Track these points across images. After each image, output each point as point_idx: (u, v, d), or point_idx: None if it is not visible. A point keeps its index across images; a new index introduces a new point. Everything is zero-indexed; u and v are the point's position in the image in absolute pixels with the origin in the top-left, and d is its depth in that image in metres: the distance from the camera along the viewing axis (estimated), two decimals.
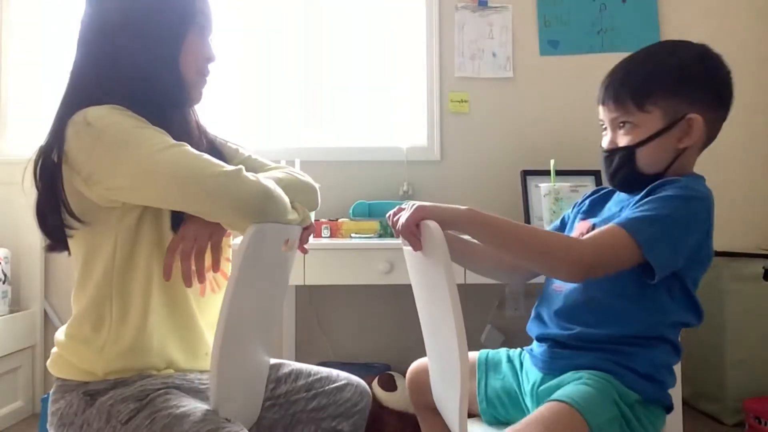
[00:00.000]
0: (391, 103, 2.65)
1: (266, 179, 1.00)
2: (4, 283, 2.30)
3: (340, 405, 1.19)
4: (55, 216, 0.97)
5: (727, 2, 2.63)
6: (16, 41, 2.60)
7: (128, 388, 0.96)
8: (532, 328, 1.08)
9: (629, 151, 0.99)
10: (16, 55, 2.60)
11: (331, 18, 2.65)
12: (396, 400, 2.05)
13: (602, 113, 1.05)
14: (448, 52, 2.58)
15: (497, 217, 0.94)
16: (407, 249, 1.10)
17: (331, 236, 2.08)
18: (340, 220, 2.13)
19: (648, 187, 0.98)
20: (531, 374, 1.05)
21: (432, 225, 0.90)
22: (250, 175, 0.96)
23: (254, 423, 1.12)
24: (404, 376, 2.06)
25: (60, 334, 1.03)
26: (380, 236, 2.08)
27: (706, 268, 0.98)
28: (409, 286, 1.17)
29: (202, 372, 1.08)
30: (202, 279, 0.99)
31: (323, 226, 2.09)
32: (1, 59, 2.58)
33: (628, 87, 0.99)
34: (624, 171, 1.00)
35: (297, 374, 1.21)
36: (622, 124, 1.01)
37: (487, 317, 2.47)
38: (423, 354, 1.18)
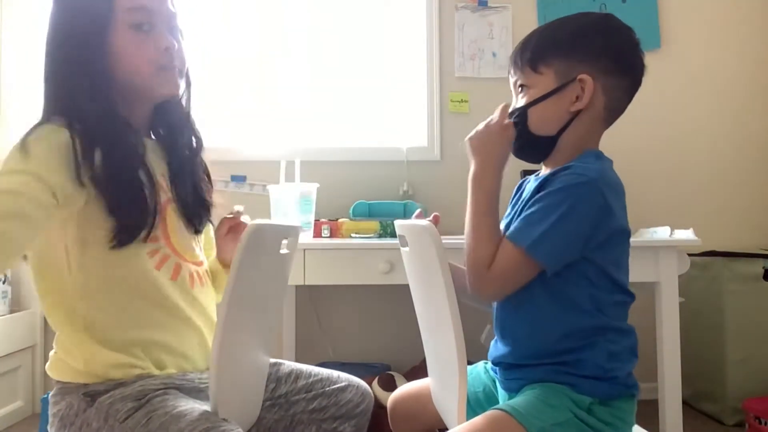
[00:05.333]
0: (391, 103, 2.65)
1: None
2: (4, 283, 2.31)
3: (341, 406, 1.19)
4: None
5: (726, 2, 2.63)
6: (16, 41, 2.60)
7: (127, 388, 0.96)
8: (490, 351, 1.08)
9: (522, 111, 1.00)
10: (16, 54, 2.60)
11: (331, 18, 2.65)
12: None
13: (510, 80, 1.06)
14: (448, 52, 2.58)
15: (478, 197, 0.97)
16: (405, 250, 1.10)
17: (331, 236, 2.08)
18: (340, 220, 2.13)
19: (542, 179, 0.98)
20: (501, 393, 1.06)
21: (429, 226, 0.90)
22: None
23: (254, 424, 1.12)
24: (404, 376, 2.08)
25: (57, 338, 1.04)
26: (380, 236, 2.08)
27: (621, 247, 0.96)
28: (409, 286, 1.17)
29: (202, 372, 1.09)
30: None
31: (323, 226, 2.09)
32: (1, 58, 2.58)
33: (526, 51, 1.00)
34: (517, 133, 1.01)
35: (297, 374, 1.21)
36: (520, 88, 1.02)
37: (487, 317, 2.47)
38: (423, 354, 1.18)
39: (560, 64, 0.98)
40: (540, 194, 0.94)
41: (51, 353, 1.04)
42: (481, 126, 1.01)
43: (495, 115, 1.01)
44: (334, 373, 1.24)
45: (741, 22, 2.63)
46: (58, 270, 0.99)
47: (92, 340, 0.99)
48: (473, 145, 1.01)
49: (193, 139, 1.19)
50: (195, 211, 1.14)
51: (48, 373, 1.03)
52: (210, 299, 1.16)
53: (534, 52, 0.99)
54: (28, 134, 0.95)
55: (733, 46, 2.63)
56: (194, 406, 0.94)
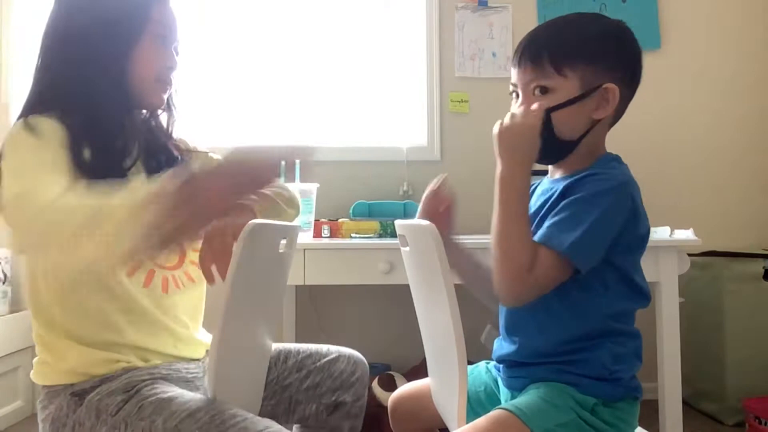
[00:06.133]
0: (391, 103, 2.65)
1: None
2: (4, 283, 2.31)
3: (335, 378, 1.19)
4: None
5: (726, 3, 2.63)
6: (19, 41, 2.60)
7: (114, 382, 0.96)
8: (495, 349, 1.08)
9: (545, 114, 0.96)
10: (19, 54, 2.60)
11: (331, 17, 2.65)
12: None
13: (516, 76, 1.01)
14: (448, 52, 2.58)
15: (510, 199, 0.92)
16: (405, 250, 1.10)
17: (331, 236, 2.08)
18: (340, 220, 2.12)
19: (566, 183, 0.96)
20: (503, 391, 1.06)
21: (429, 226, 0.90)
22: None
23: None
24: (404, 376, 2.08)
25: (39, 342, 1.03)
26: (380, 236, 2.08)
27: (642, 249, 0.97)
28: (409, 286, 1.17)
29: (189, 362, 1.09)
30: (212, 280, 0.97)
31: (323, 226, 2.09)
32: (2, 59, 2.58)
33: (548, 50, 0.96)
34: (543, 136, 0.97)
35: (286, 354, 1.21)
36: (537, 89, 0.98)
37: (487, 317, 2.47)
38: (423, 354, 1.18)
39: (586, 70, 0.95)
40: (569, 200, 0.92)
41: (34, 360, 1.03)
42: (507, 120, 0.95)
43: (520, 110, 0.97)
44: (323, 347, 1.25)
45: (741, 22, 2.63)
46: (34, 276, 1.01)
47: (73, 342, 0.99)
48: (505, 143, 0.95)
49: (173, 151, 1.19)
50: None
51: (33, 380, 1.02)
52: (188, 300, 1.15)
53: (557, 53, 0.96)
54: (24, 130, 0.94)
55: (732, 46, 2.63)
56: (184, 392, 0.95)
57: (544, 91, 0.97)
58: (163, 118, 1.19)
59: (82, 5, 1.05)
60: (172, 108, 1.19)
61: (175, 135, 1.21)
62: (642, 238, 0.95)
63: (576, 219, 0.90)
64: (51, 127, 0.95)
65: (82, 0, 1.06)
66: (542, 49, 0.97)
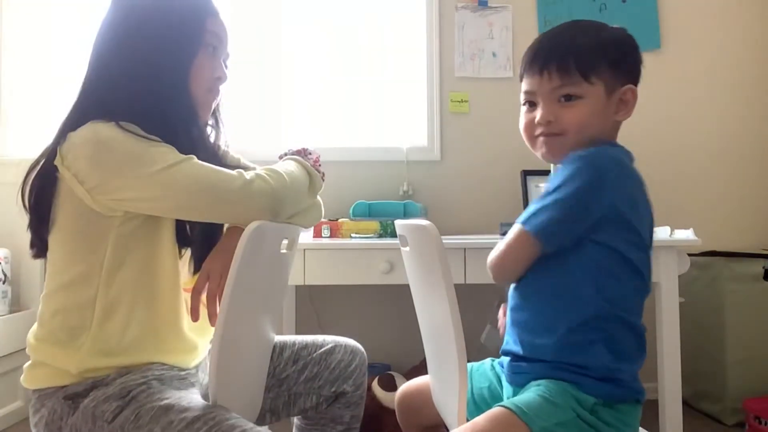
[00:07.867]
0: (391, 102, 2.65)
1: (277, 178, 1.03)
2: (4, 283, 2.30)
3: (332, 369, 1.19)
4: (44, 226, 1.00)
5: (726, 2, 2.63)
6: (18, 41, 2.60)
7: (108, 387, 0.94)
8: (505, 342, 1.09)
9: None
10: (18, 55, 2.60)
11: (331, 18, 2.65)
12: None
13: (533, 84, 1.01)
14: (448, 52, 2.58)
15: None
16: (405, 250, 1.10)
17: (331, 236, 2.08)
18: (340, 220, 2.12)
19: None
20: (506, 387, 1.06)
21: (429, 226, 0.90)
22: (258, 181, 0.99)
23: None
24: (404, 376, 2.08)
25: (31, 338, 1.01)
26: (380, 236, 2.08)
27: (622, 221, 0.94)
28: (409, 286, 1.17)
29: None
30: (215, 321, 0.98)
31: (323, 226, 2.09)
32: (1, 59, 2.58)
33: (574, 57, 0.97)
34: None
35: (281, 347, 1.21)
36: (564, 97, 0.98)
37: (487, 317, 2.47)
38: (423, 354, 1.18)
39: (609, 75, 0.98)
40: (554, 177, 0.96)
41: (25, 366, 1.01)
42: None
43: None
44: (319, 338, 1.25)
45: (741, 22, 2.63)
46: (88, 265, 0.97)
47: (87, 340, 0.96)
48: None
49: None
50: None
51: (24, 385, 1.00)
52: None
53: (583, 60, 0.97)
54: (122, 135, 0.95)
55: (732, 46, 2.63)
56: (181, 395, 0.94)
57: (569, 98, 0.98)
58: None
59: (141, 18, 1.03)
60: (219, 122, 1.19)
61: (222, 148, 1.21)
62: (612, 207, 0.92)
63: (542, 197, 0.94)
64: (137, 129, 0.97)
65: (140, 13, 1.04)
66: (568, 57, 0.98)
